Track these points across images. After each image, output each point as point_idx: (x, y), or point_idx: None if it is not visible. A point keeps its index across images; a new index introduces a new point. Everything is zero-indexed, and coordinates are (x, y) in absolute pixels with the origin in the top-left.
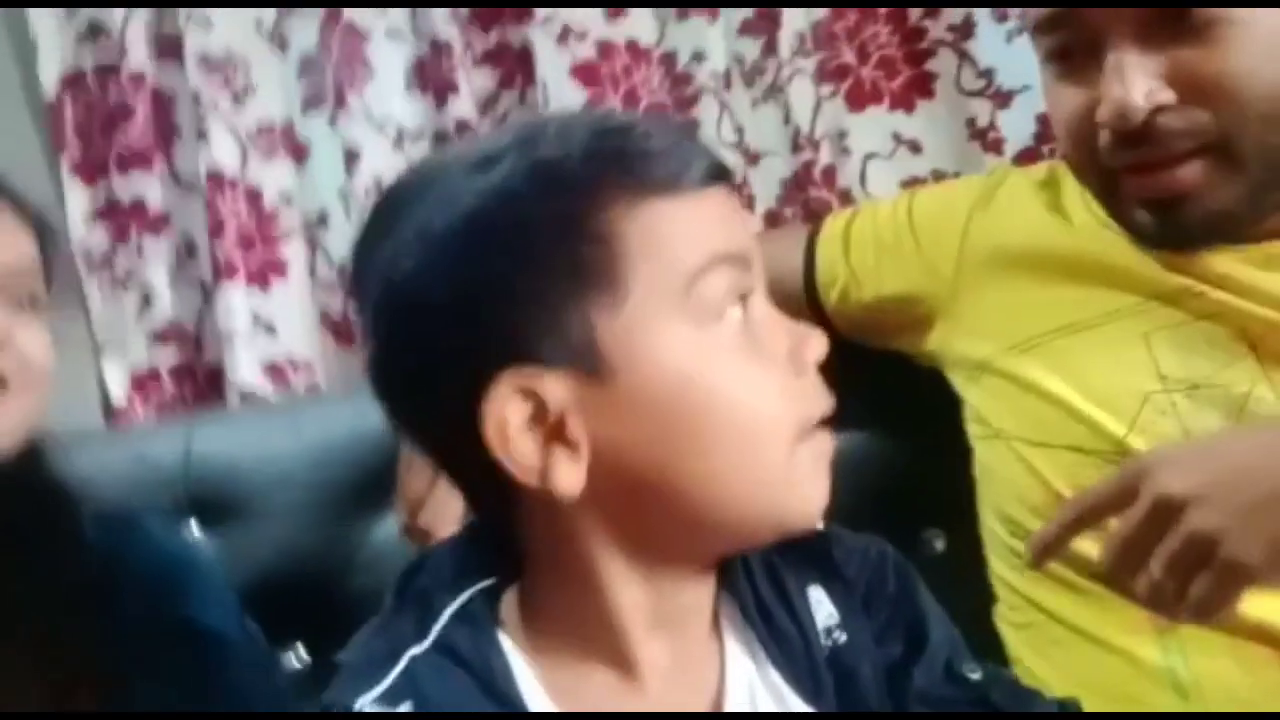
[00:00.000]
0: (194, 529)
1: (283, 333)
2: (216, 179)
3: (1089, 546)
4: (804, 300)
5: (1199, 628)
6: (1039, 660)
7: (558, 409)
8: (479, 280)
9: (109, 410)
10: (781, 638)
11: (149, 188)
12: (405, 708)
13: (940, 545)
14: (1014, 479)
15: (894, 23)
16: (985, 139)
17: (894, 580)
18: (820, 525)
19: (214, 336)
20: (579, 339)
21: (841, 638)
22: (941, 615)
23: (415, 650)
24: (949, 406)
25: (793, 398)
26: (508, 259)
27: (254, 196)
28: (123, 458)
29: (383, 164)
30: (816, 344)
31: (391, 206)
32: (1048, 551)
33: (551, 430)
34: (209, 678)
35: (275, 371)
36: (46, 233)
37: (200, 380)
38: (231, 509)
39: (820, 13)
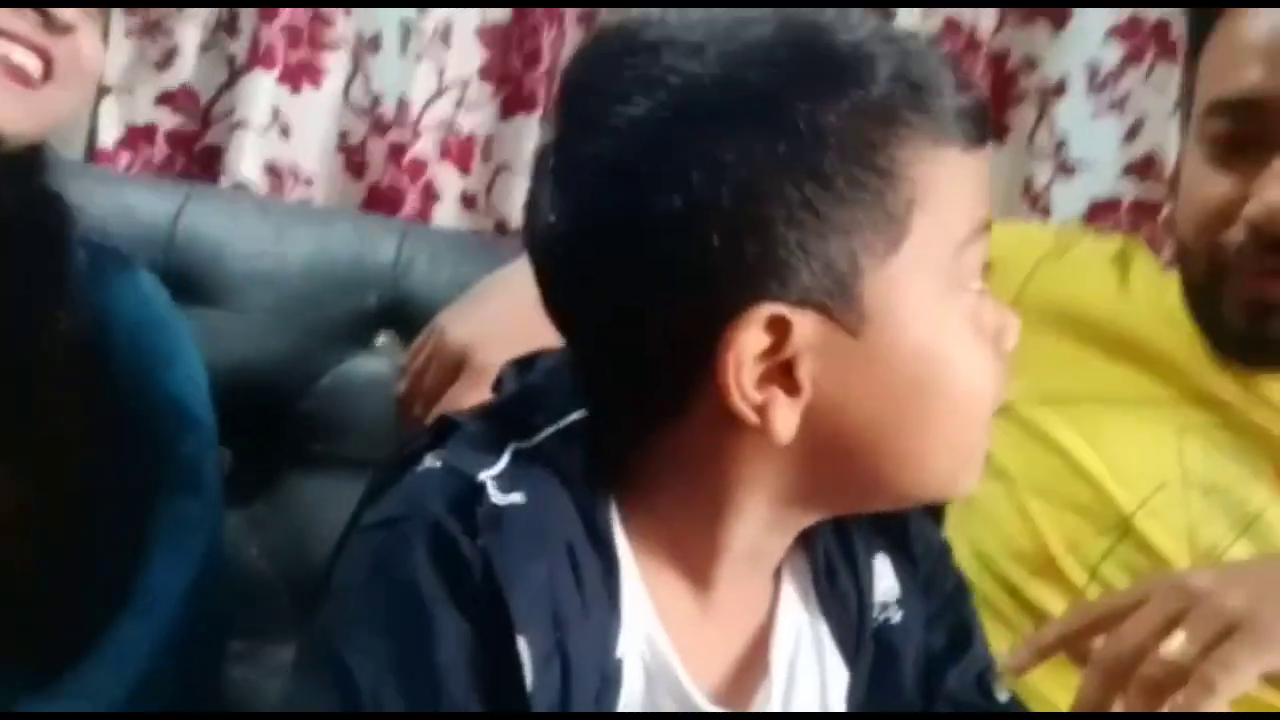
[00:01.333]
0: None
1: (296, 140)
2: None
3: (1058, 604)
4: None
5: None
6: None
7: (796, 348)
8: (743, 192)
9: (91, 151)
10: (838, 597)
11: None
12: (516, 498)
13: None
14: (1003, 522)
15: (991, 65)
16: (1035, 202)
17: (953, 578)
18: None
19: (224, 118)
20: (841, 279)
21: (895, 616)
22: (982, 630)
23: (520, 445)
24: None
25: (995, 378)
26: (782, 171)
27: None
28: (110, 203)
29: (457, 12)
30: (1014, 328)
31: (608, 82)
32: (1043, 655)
33: (780, 368)
34: (169, 453)
35: (275, 174)
36: None
37: (195, 155)
38: (207, 293)
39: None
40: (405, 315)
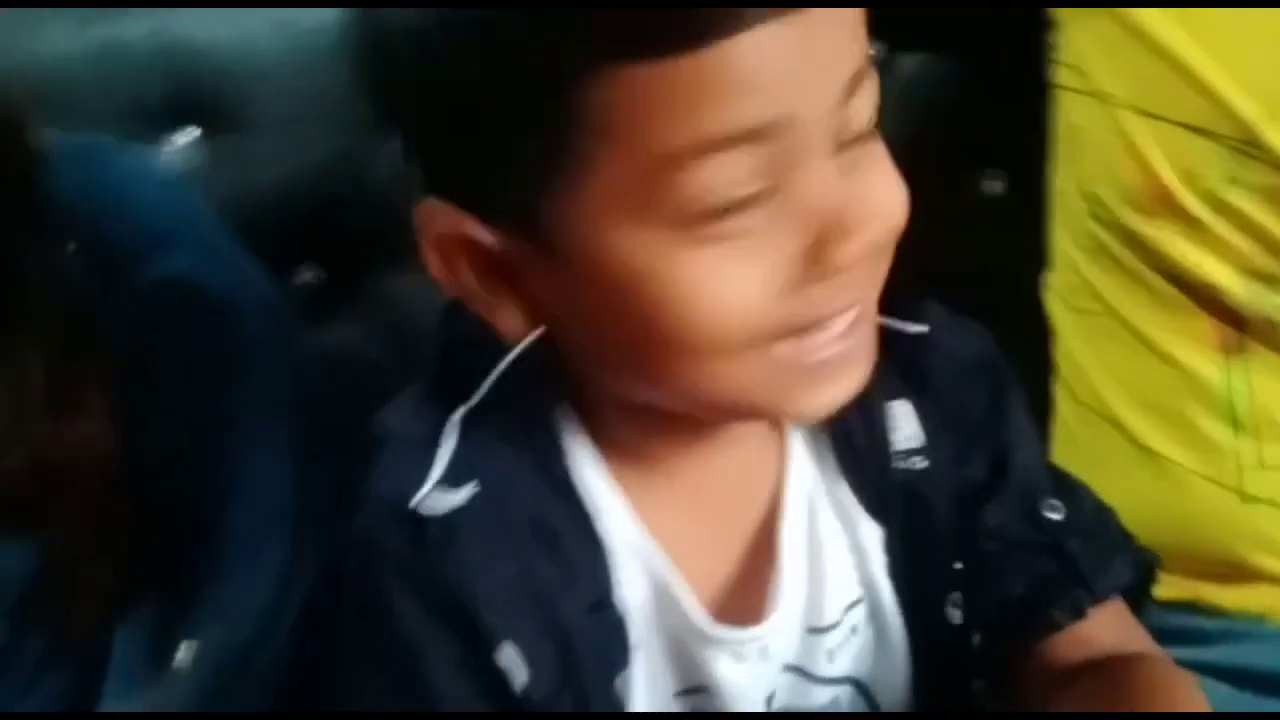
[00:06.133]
0: (179, 142)
1: None
2: None
3: (1177, 241)
4: None
5: (1272, 356)
6: (1088, 351)
7: (493, 258)
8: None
9: None
10: (854, 451)
11: None
12: (468, 490)
13: (999, 188)
14: (1107, 151)
15: None
16: None
17: (986, 397)
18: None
19: None
20: (520, 209)
21: (919, 464)
22: (1031, 439)
23: (466, 408)
24: (1033, 33)
25: (786, 300)
26: (472, 90)
27: None
28: (90, 47)
29: None
30: (854, 246)
31: None
32: None
33: (499, 274)
34: (216, 342)
35: None
36: None
37: None
38: (220, 117)
39: None
40: None
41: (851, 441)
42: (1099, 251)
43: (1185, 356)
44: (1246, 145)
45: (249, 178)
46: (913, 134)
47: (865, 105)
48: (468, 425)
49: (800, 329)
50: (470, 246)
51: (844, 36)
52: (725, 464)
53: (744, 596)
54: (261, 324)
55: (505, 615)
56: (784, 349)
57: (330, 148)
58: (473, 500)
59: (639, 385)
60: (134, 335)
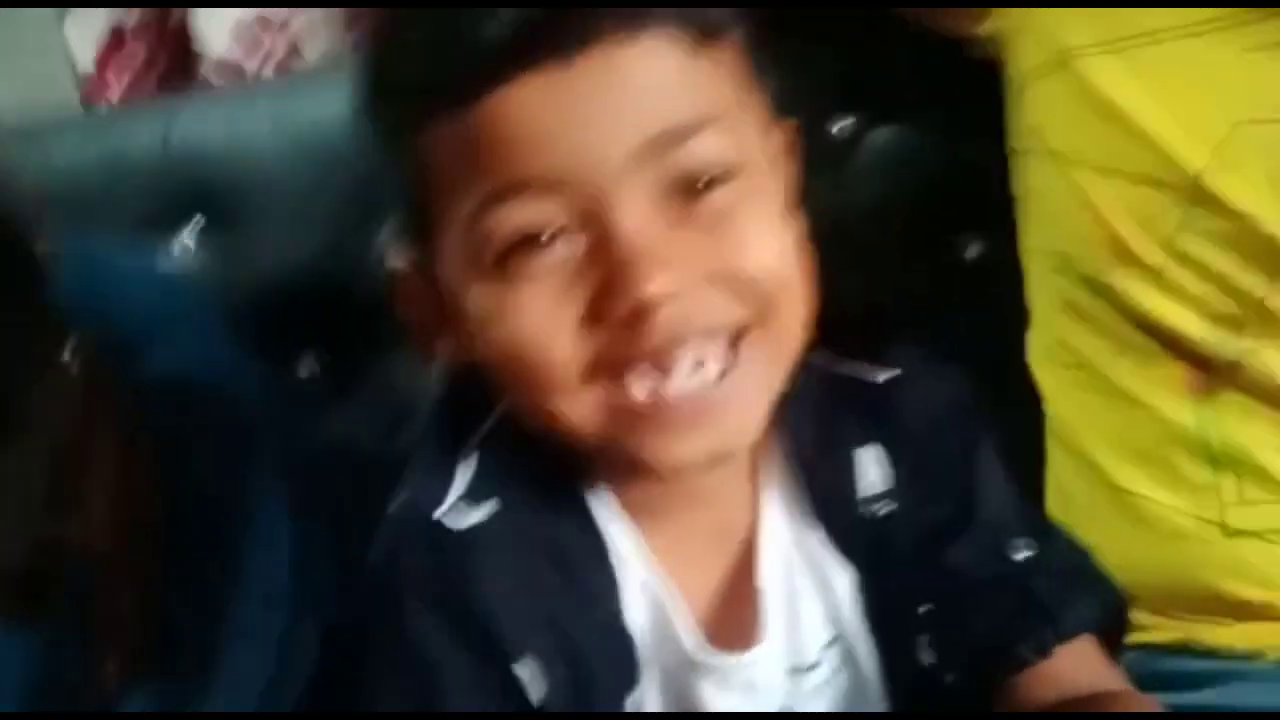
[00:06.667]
0: (184, 240)
1: None
2: None
3: (1140, 291)
4: None
5: (1241, 396)
6: (1070, 404)
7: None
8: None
9: (80, 83)
10: (822, 497)
11: None
12: (489, 507)
13: (975, 252)
14: (1067, 208)
15: None
16: None
17: (956, 438)
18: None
19: None
20: (426, 265)
21: (886, 508)
22: (1000, 479)
23: (486, 429)
24: (999, 98)
25: (588, 336)
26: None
27: None
28: (98, 150)
29: None
30: (651, 286)
31: None
32: None
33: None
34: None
35: (246, 37)
36: None
37: (166, 41)
38: (221, 215)
39: None
40: None
41: (819, 488)
42: (1071, 307)
43: (1160, 402)
44: (1198, 194)
45: (249, 272)
46: (890, 204)
47: (705, 154)
48: (487, 446)
49: (614, 367)
50: (419, 292)
51: (648, 89)
52: (706, 504)
53: (731, 629)
54: (257, 412)
55: (523, 629)
56: (611, 390)
57: (326, 240)
58: (492, 518)
59: (532, 421)
60: (133, 428)
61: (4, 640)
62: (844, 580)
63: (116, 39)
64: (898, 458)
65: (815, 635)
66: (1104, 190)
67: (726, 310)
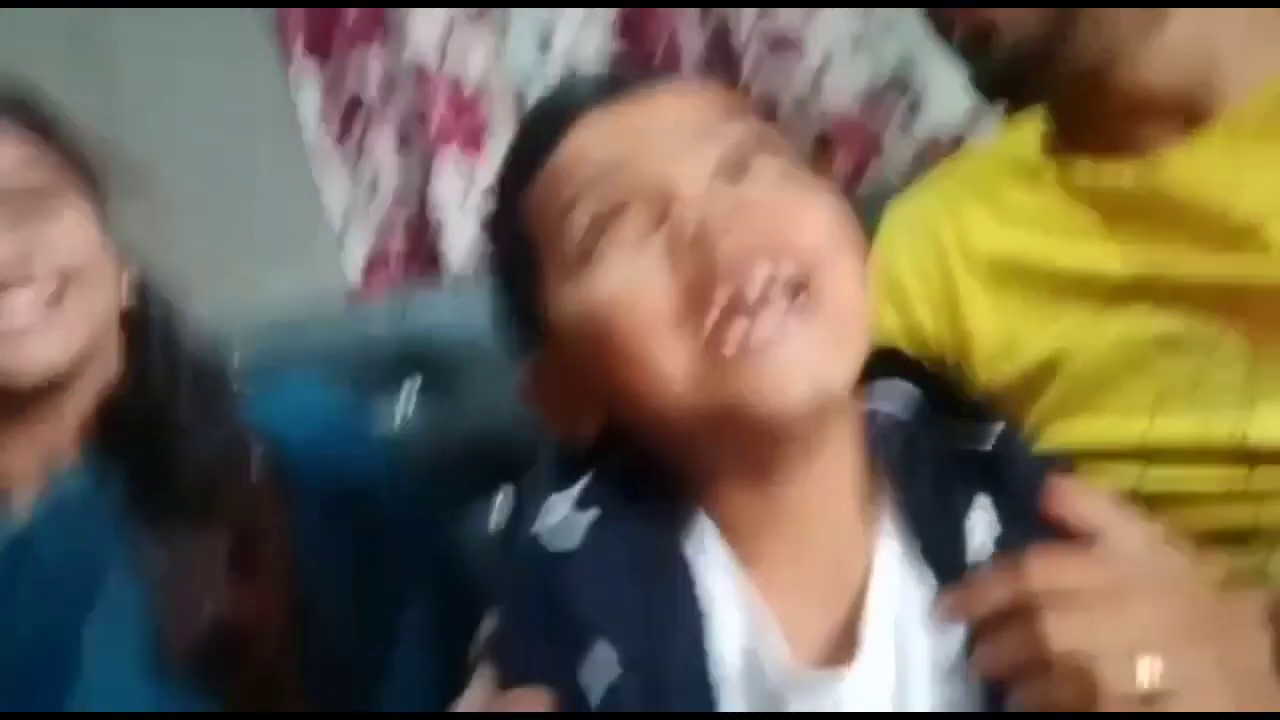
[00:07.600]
0: (404, 401)
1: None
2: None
3: None
4: None
5: None
6: None
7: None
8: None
9: (348, 294)
10: (935, 553)
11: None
12: (592, 514)
13: None
14: None
15: None
16: None
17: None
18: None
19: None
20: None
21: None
22: None
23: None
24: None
25: (670, 289)
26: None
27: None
28: (348, 336)
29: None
30: (702, 235)
31: None
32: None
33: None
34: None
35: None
36: (37, 118)
37: (420, 253)
38: (436, 379)
39: None
40: None
41: (931, 543)
42: None
43: None
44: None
45: (455, 425)
46: None
47: (742, 134)
48: (602, 466)
49: (699, 309)
50: (545, 372)
51: (686, 107)
52: (812, 538)
53: (827, 659)
54: (420, 541)
55: (605, 621)
56: (702, 346)
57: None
58: (592, 528)
59: (636, 423)
60: (305, 535)
61: (183, 704)
62: (954, 637)
63: (381, 260)
64: (1001, 511)
65: (920, 682)
66: None
67: (786, 261)
